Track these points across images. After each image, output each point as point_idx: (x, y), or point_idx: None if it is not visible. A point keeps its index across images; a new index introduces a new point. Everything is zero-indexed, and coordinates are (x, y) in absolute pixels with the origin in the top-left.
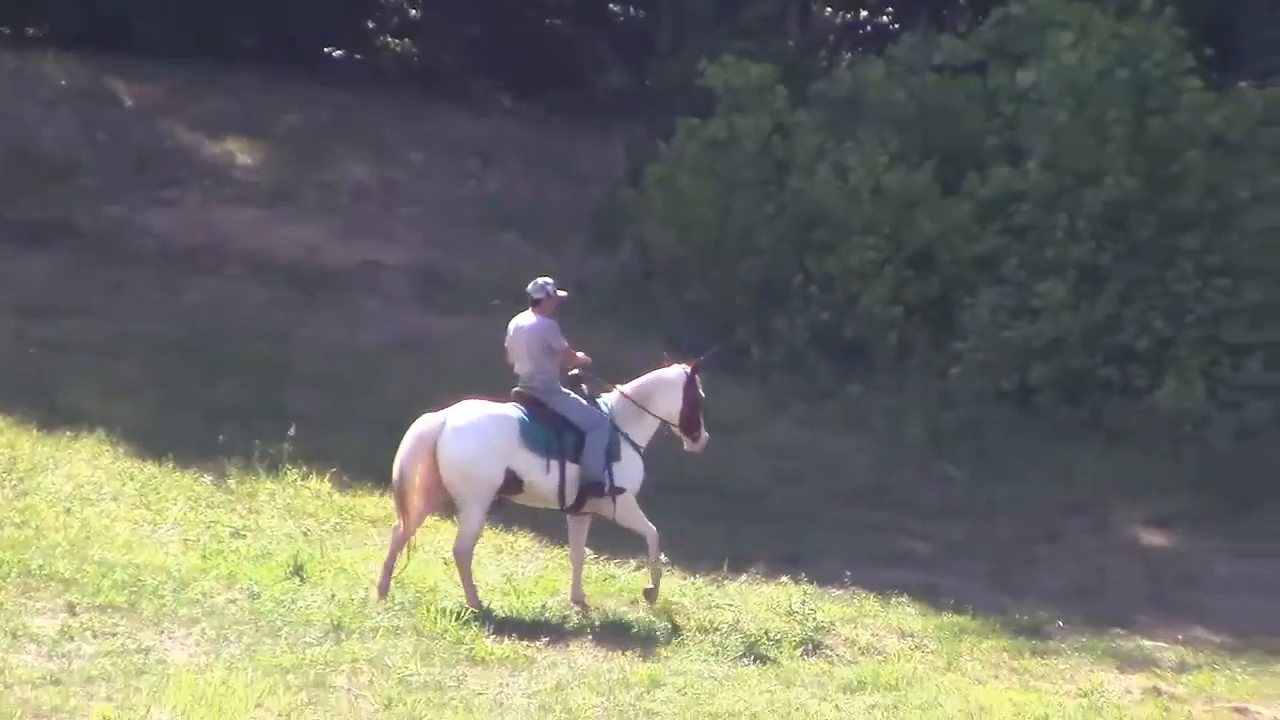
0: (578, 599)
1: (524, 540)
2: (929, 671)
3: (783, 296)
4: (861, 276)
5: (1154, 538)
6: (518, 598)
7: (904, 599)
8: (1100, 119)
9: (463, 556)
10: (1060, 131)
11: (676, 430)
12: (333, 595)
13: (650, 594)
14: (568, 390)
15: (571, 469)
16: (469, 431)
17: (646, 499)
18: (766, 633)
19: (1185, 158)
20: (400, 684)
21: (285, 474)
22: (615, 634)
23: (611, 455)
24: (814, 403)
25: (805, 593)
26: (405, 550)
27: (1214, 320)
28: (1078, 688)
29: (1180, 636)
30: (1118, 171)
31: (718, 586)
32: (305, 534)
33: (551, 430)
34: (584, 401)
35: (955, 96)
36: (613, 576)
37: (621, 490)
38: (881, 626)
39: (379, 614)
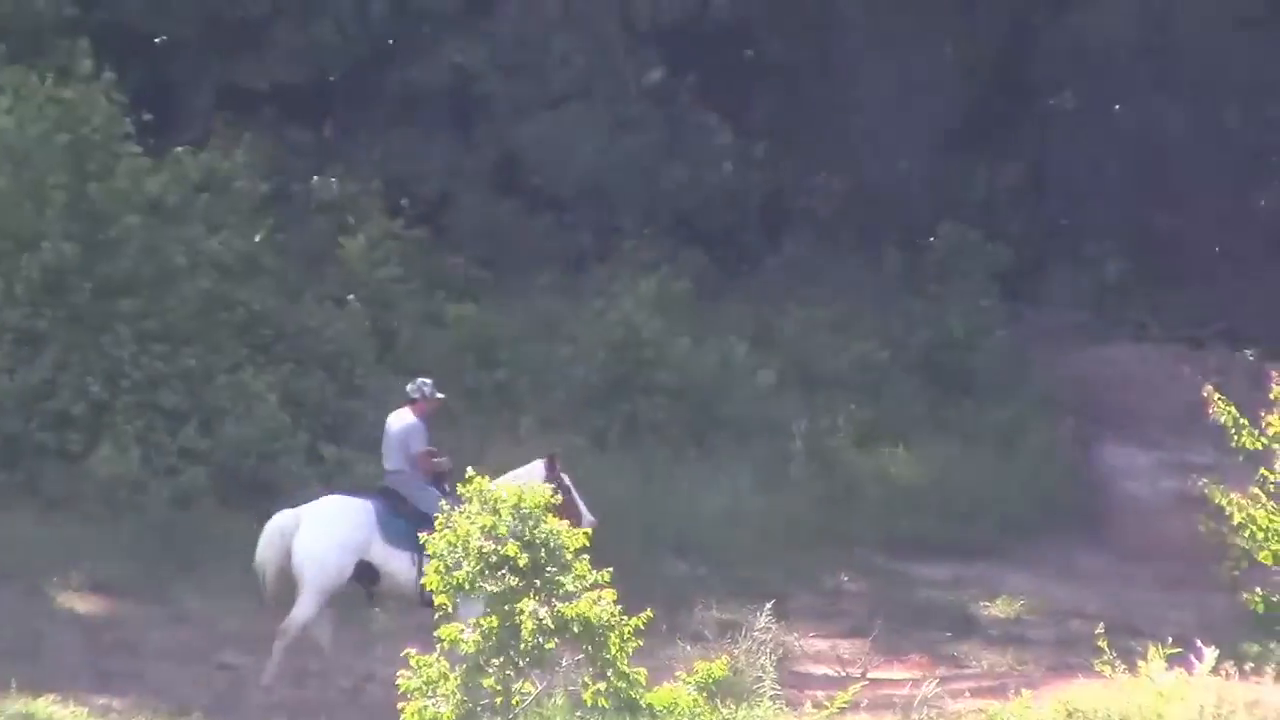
0: None
1: None
2: None
3: None
4: None
5: (91, 604)
6: None
7: None
8: (40, 183)
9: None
10: None
11: None
12: None
13: None
14: (430, 486)
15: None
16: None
17: None
18: None
19: (123, 222)
20: None
21: None
22: None
23: None
24: None
25: None
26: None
27: (150, 385)
28: None
29: (116, 704)
30: (56, 236)
31: None
32: None
33: (413, 525)
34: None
35: None
36: None
37: None
38: None
39: None
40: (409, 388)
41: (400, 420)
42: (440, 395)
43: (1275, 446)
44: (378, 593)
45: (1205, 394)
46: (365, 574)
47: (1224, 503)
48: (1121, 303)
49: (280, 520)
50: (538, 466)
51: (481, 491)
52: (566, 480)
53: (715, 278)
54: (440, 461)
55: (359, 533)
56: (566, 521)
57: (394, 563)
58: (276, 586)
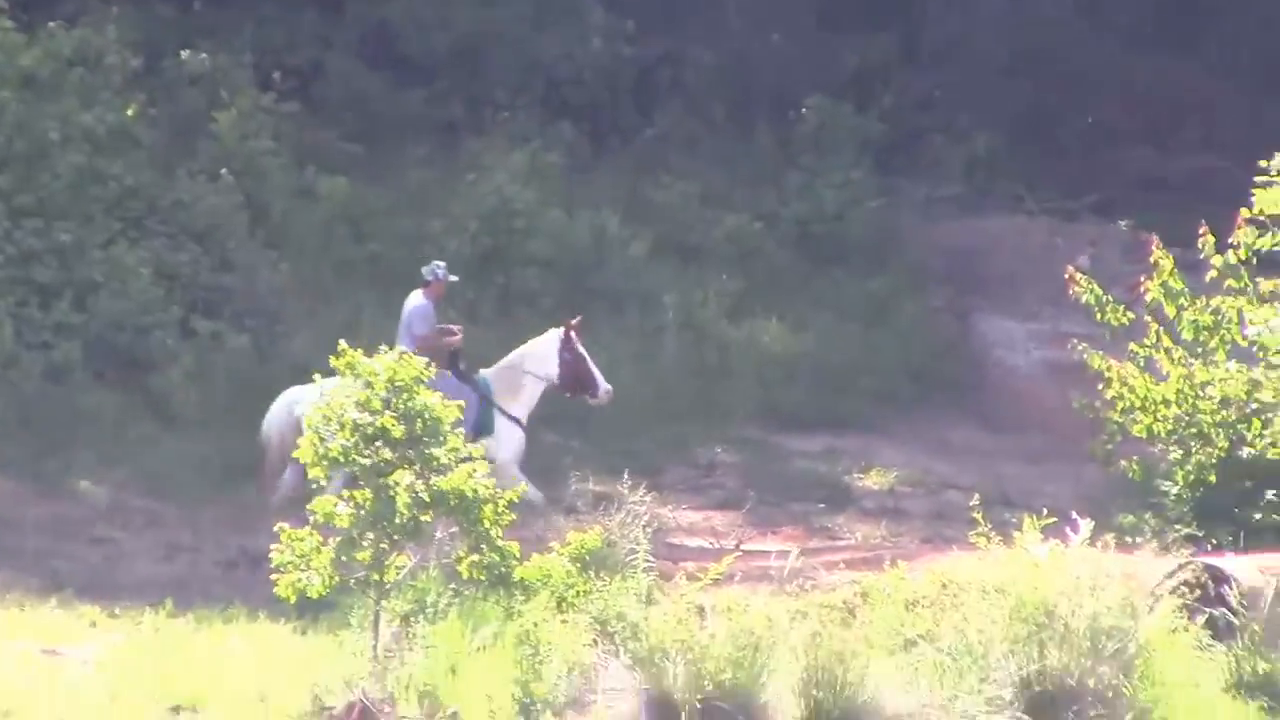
0: None
1: None
2: None
3: None
4: None
5: None
6: None
7: None
8: None
9: None
10: None
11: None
12: None
13: None
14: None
15: None
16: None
17: None
18: None
19: None
20: None
21: None
22: None
23: (483, 429)
24: None
25: None
26: None
27: (23, 260)
28: None
29: None
30: None
31: None
32: None
33: None
34: (449, 376)
35: None
36: None
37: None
38: None
39: None
40: (424, 270)
41: (411, 302)
42: (453, 278)
43: (1148, 318)
44: None
45: (1068, 275)
46: None
47: (1103, 368)
48: (994, 175)
49: (290, 394)
50: (553, 335)
51: (354, 365)
52: (581, 349)
53: (587, 150)
54: (453, 340)
55: None
56: (584, 389)
57: None
58: (279, 458)
